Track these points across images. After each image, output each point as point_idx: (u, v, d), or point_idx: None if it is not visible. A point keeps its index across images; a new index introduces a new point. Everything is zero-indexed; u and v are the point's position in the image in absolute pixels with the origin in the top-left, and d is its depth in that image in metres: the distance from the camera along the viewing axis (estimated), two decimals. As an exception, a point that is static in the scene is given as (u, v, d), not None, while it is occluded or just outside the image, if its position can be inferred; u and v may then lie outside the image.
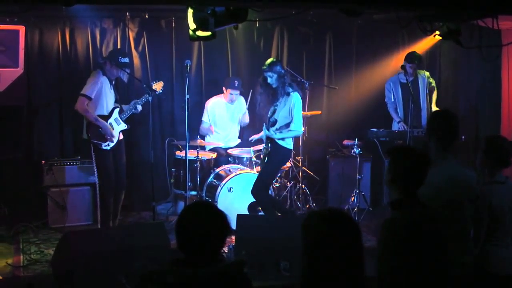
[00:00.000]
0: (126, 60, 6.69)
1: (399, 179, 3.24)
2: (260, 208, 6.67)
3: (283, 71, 6.34)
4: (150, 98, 6.70)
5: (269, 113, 6.40)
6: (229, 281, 2.65)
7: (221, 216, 2.79)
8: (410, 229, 3.08)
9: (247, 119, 7.78)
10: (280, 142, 6.38)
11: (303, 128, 6.59)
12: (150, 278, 2.61)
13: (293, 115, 6.30)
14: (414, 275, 3.03)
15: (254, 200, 6.56)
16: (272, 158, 6.44)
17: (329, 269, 2.47)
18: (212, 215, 2.76)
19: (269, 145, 6.44)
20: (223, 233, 2.76)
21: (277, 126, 6.37)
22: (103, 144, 6.58)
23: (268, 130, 6.39)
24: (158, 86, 6.90)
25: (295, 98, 6.32)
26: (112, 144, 6.66)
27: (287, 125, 6.32)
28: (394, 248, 3.03)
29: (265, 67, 6.36)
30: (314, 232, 2.52)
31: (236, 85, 7.40)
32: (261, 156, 6.69)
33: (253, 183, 6.58)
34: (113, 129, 6.66)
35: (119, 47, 7.52)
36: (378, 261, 3.09)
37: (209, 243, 2.70)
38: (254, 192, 6.44)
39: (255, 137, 7.24)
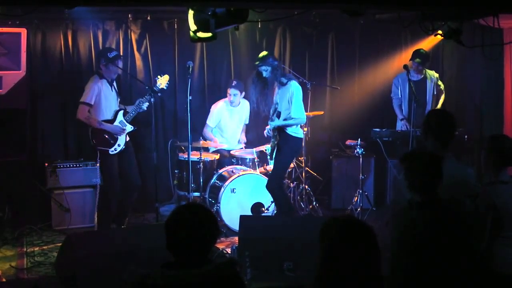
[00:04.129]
0: (114, 52, 6.66)
1: (416, 185, 3.31)
2: (274, 202, 6.67)
3: (276, 63, 6.37)
4: (152, 99, 6.67)
5: (274, 105, 6.41)
6: (221, 281, 2.64)
7: (209, 217, 2.78)
8: (428, 229, 3.10)
9: (244, 137, 7.82)
10: (290, 132, 6.40)
11: (305, 115, 6.57)
12: (140, 281, 2.60)
13: (292, 103, 6.30)
14: (428, 275, 3.05)
15: (269, 193, 6.55)
16: (284, 149, 6.45)
17: (344, 275, 2.46)
18: (199, 216, 2.75)
19: (277, 137, 6.44)
20: (211, 234, 2.76)
21: (282, 118, 6.40)
22: (110, 150, 6.57)
23: (272, 121, 6.41)
24: (163, 82, 6.73)
25: (293, 86, 6.34)
26: (119, 149, 6.64)
27: (289, 113, 6.35)
28: (410, 247, 3.05)
29: (258, 62, 6.40)
30: (331, 238, 2.52)
31: (233, 84, 7.41)
32: (269, 151, 6.73)
33: (256, 184, 6.60)
34: (123, 128, 6.66)
35: (121, 49, 7.54)
36: (391, 259, 3.11)
37: (197, 244, 2.70)
38: (268, 184, 6.46)
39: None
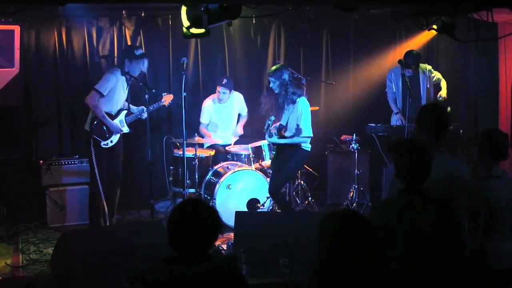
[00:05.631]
0: (141, 51, 6.72)
1: (404, 173, 3.30)
2: (278, 207, 6.69)
3: (286, 80, 6.20)
4: (146, 96, 6.65)
5: (267, 123, 6.25)
6: (222, 277, 2.65)
7: (211, 213, 2.79)
8: (419, 215, 3.14)
9: (241, 130, 7.79)
10: (302, 146, 6.35)
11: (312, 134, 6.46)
12: (142, 277, 2.61)
13: (301, 122, 6.21)
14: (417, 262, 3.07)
15: (273, 200, 6.63)
16: (293, 160, 6.38)
17: (343, 268, 2.52)
18: (201, 211, 2.76)
19: (279, 150, 6.46)
20: (213, 230, 2.77)
21: (287, 133, 6.34)
22: (102, 142, 6.58)
23: (270, 136, 6.31)
24: (167, 99, 6.97)
25: (302, 104, 6.22)
26: (111, 144, 6.65)
27: (297, 131, 6.27)
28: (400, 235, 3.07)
29: (269, 72, 6.35)
30: (330, 233, 2.57)
31: (223, 82, 7.40)
32: (270, 159, 6.86)
33: (251, 180, 6.62)
34: (121, 129, 6.68)
35: (115, 45, 7.54)
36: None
37: (198, 240, 2.71)
38: (272, 192, 6.43)
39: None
